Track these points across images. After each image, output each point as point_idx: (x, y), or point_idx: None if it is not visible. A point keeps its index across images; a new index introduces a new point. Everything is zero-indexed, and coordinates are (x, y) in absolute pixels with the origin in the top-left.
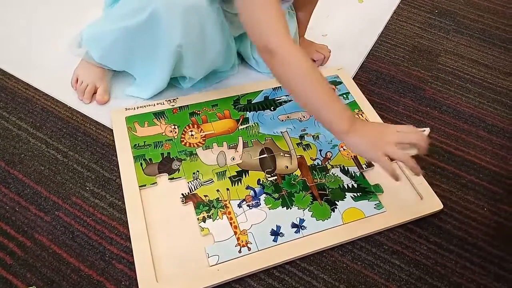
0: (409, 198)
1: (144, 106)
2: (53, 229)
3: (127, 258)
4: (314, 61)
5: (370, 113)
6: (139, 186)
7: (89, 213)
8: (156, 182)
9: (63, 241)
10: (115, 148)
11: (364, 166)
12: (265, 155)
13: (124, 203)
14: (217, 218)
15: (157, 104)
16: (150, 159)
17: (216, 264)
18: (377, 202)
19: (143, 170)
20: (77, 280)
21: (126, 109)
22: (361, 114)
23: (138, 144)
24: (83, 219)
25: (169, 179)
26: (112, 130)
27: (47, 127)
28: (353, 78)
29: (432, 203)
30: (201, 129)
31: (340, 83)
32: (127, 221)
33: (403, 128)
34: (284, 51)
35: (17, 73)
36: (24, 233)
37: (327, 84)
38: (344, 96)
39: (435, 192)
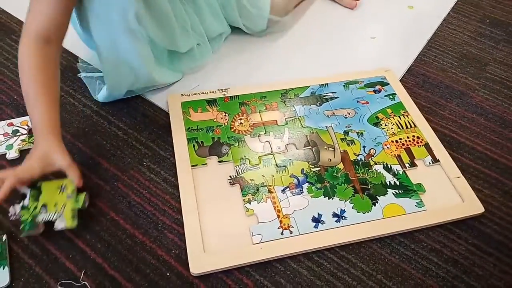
0: (451, 199)
1: (198, 93)
2: (112, 197)
3: (177, 229)
4: None
5: (416, 115)
6: (191, 166)
7: (145, 186)
8: (206, 163)
9: (120, 209)
10: (171, 129)
11: (407, 165)
12: (310, 147)
13: (177, 180)
14: (262, 201)
15: (210, 92)
16: (202, 142)
17: (259, 243)
18: (419, 200)
19: (195, 151)
20: (132, 245)
21: (182, 94)
22: (407, 115)
23: (192, 127)
24: (140, 191)
25: (218, 161)
26: (168, 113)
27: (109, 106)
28: (400, 80)
29: (473, 206)
30: (250, 118)
31: (387, 84)
32: (179, 196)
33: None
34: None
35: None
36: None
37: (49, 83)
38: (390, 97)
39: (477, 196)
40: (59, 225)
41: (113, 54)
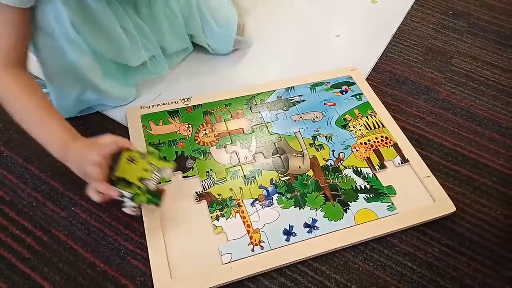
0: (422, 200)
1: (159, 104)
2: (69, 224)
3: (141, 254)
4: None
5: (383, 114)
6: None
7: (104, 209)
8: (170, 180)
9: (79, 237)
10: None
11: (377, 167)
12: (278, 155)
13: None
14: (230, 216)
15: (172, 103)
16: (164, 157)
17: (229, 262)
18: (390, 203)
19: None
20: (93, 275)
21: (141, 107)
22: (374, 115)
23: (153, 142)
24: (99, 215)
25: (183, 177)
26: (127, 128)
27: None
28: (366, 79)
29: (445, 206)
30: (215, 128)
31: (353, 83)
32: (141, 217)
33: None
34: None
35: None
36: (41, 228)
37: (44, 104)
38: (357, 97)
39: (448, 194)
40: (169, 172)
41: (57, 63)
